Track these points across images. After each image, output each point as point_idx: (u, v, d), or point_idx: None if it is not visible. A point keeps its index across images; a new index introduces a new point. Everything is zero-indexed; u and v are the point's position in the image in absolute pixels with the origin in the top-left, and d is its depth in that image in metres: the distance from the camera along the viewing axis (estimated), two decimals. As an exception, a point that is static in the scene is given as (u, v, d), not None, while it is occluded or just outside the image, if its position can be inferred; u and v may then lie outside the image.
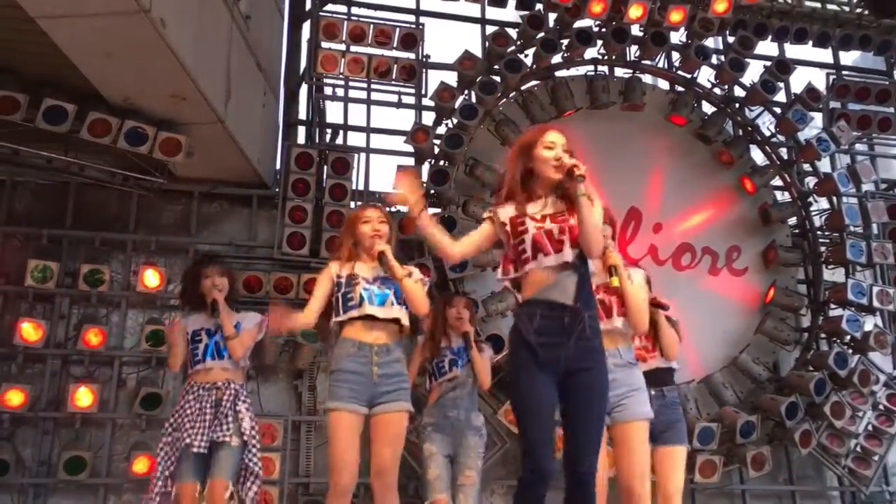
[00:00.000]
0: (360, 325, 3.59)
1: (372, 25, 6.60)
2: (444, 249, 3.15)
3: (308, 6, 6.91)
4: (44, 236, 5.80)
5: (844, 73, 8.06)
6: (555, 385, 2.87)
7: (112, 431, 5.63)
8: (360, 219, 3.75)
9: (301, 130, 6.87)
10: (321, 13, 6.65)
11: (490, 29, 6.94)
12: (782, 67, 7.30)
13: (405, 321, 3.64)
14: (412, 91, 6.74)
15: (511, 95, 6.75)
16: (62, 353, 5.69)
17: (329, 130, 6.81)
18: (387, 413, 3.53)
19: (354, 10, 7.05)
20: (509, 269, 3.05)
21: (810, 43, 7.79)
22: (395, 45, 6.61)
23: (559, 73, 7.01)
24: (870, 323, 6.83)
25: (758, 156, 7.46)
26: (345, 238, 3.82)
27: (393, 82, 6.65)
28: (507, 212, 3.07)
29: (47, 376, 5.60)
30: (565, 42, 6.83)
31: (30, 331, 5.42)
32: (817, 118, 7.55)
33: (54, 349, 5.64)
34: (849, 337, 6.67)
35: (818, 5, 8.10)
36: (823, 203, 7.35)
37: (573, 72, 7.10)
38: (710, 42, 7.42)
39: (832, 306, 6.98)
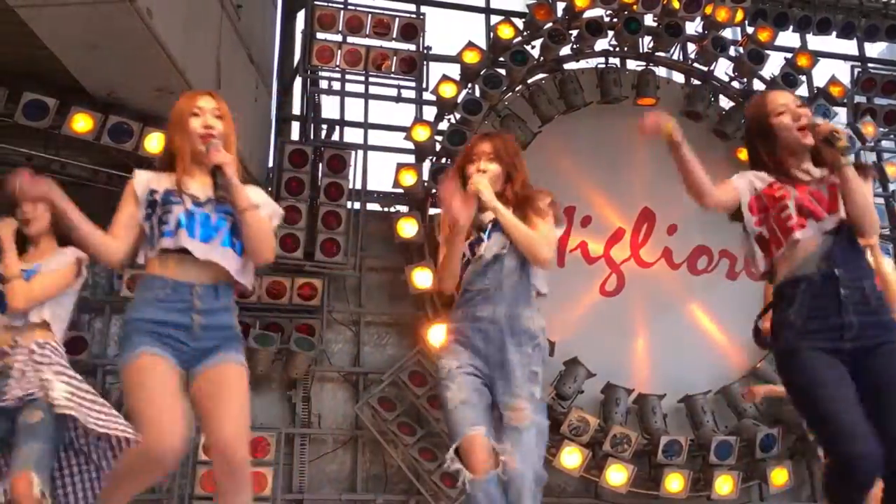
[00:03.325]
0: (173, 262, 2.74)
1: (370, 15, 6.59)
2: (699, 187, 2.89)
3: (303, -5, 6.93)
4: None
5: (870, 65, 8.06)
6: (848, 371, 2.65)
7: (95, 444, 5.63)
8: (188, 110, 2.90)
9: (295, 126, 6.88)
10: (316, 2, 6.64)
11: (495, 19, 6.94)
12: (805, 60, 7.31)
13: (233, 272, 2.81)
14: (412, 84, 6.73)
15: (517, 89, 6.75)
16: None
17: (324, 126, 6.79)
18: (215, 367, 2.73)
19: (351, -2, 7.07)
20: (773, 252, 2.81)
21: (834, 34, 7.79)
22: (394, 35, 6.61)
23: (568, 66, 7.00)
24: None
25: (778, 153, 7.44)
26: (173, 137, 2.93)
27: (392, 75, 6.65)
28: (758, 180, 2.89)
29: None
30: (574, 33, 6.83)
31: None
32: (841, 113, 7.54)
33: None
34: (877, 344, 6.64)
35: (842, -6, 8.11)
36: (848, 203, 7.32)
37: (583, 64, 7.10)
38: (727, 33, 7.43)
39: (859, 312, 6.94)
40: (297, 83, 6.87)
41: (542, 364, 3.08)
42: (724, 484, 6.03)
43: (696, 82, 7.32)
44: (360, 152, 6.54)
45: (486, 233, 3.13)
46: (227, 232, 2.80)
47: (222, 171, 2.79)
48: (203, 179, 2.86)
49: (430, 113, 6.68)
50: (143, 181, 2.86)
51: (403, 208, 6.46)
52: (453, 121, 6.47)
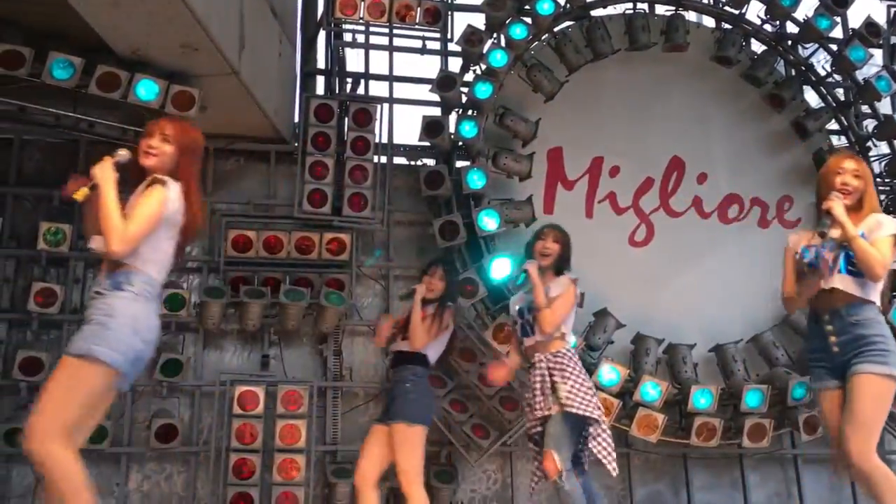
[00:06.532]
0: None
1: (393, -35, 6.51)
2: None
3: (324, -54, 6.84)
4: (55, 197, 5.87)
5: (908, 4, 7.85)
6: None
7: (133, 399, 5.75)
8: None
9: (320, 80, 6.86)
10: (339, -47, 6.56)
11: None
12: (839, 0, 7.12)
13: None
14: (437, 36, 6.68)
15: (543, 38, 6.66)
16: (78, 319, 5.74)
17: (349, 80, 6.78)
18: None
19: (374, -51, 6.97)
20: None
21: (870, -28, 7.59)
22: (418, -14, 6.53)
23: (595, 13, 6.89)
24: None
25: (812, 97, 7.31)
26: None
27: (416, 26, 6.58)
28: None
29: (64, 343, 5.70)
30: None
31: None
32: (877, 55, 7.37)
33: (70, 315, 5.75)
34: (911, 290, 6.58)
35: (879, -71, 7.85)
36: (884, 147, 7.21)
37: (610, 10, 6.97)
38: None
39: (892, 259, 6.87)
40: (321, 36, 6.81)
41: None
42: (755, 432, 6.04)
43: (727, 26, 7.17)
44: (386, 105, 6.51)
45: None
46: None
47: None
48: None
49: (455, 64, 6.62)
50: None
51: (430, 161, 6.45)
52: (479, 72, 6.41)
